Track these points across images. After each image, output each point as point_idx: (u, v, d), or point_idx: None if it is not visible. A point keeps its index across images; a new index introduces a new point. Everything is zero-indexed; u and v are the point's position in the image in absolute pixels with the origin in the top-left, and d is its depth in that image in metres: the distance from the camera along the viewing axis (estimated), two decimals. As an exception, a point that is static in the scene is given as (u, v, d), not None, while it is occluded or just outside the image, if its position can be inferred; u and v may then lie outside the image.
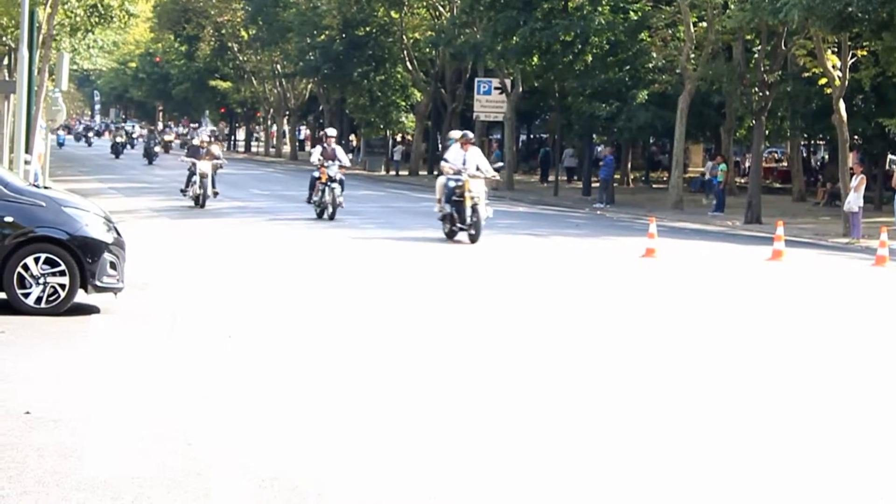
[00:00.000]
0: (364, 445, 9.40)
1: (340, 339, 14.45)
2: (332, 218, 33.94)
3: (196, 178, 37.81)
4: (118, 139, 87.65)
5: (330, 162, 34.77)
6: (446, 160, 30.57)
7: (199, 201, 37.57)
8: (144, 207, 37.29)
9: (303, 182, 46.59)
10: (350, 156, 33.52)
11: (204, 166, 37.77)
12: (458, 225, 28.84)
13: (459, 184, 28.92)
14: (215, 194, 38.69)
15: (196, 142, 42.10)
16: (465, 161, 29.90)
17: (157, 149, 78.83)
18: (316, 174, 35.00)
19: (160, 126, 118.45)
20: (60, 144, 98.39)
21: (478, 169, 29.81)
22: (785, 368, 13.81)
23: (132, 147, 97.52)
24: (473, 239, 28.30)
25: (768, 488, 8.75)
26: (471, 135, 31.56)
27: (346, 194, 35.73)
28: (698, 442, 10.02)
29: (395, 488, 8.34)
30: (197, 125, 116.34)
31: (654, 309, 18.50)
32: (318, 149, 36.29)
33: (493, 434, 9.96)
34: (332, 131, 37.81)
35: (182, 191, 39.14)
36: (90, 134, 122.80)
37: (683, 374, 13.10)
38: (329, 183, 34.22)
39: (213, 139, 53.50)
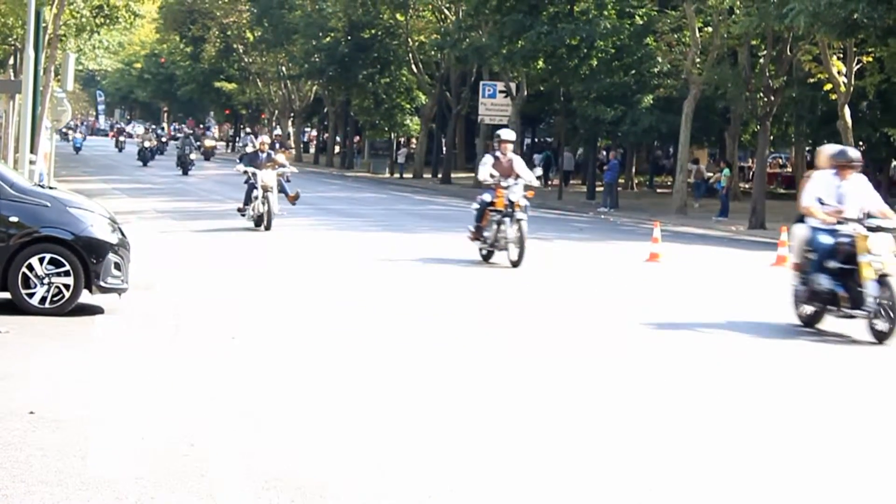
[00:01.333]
0: (367, 447, 9.40)
1: (344, 341, 14.44)
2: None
3: (258, 192, 30.19)
4: (146, 143, 76.63)
5: (511, 180, 24.59)
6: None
7: (263, 222, 30.19)
8: (184, 229, 30.23)
9: (305, 183, 46.57)
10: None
11: (267, 177, 30.23)
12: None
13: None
14: (290, 202, 32.68)
15: (250, 149, 35.84)
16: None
17: (194, 156, 67.36)
18: (488, 198, 24.86)
19: (200, 127, 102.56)
20: (77, 149, 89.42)
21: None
22: (786, 376, 13.80)
23: (162, 153, 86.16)
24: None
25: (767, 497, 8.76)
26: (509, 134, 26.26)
27: (353, 197, 35.26)
28: (700, 448, 10.02)
29: (397, 489, 8.35)
30: (247, 131, 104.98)
31: (658, 313, 18.48)
32: (489, 158, 25.45)
33: (492, 434, 9.96)
34: (507, 133, 25.99)
35: (240, 210, 31.16)
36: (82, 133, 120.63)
37: (688, 380, 13.10)
38: (513, 214, 24.07)
39: (278, 146, 51.24)
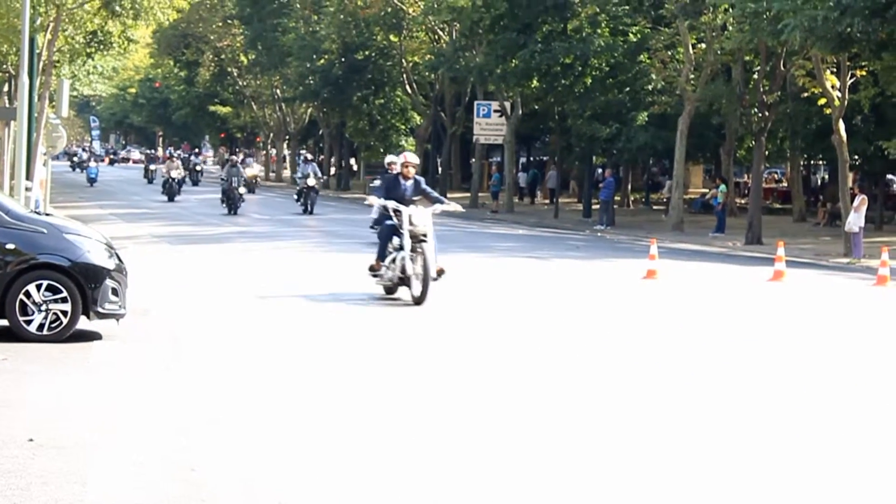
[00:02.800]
0: (369, 471, 9.39)
1: (348, 364, 14.43)
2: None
3: (402, 241, 21.10)
4: (173, 172, 61.89)
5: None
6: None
7: (412, 288, 20.88)
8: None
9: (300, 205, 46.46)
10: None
11: (419, 217, 21.24)
12: None
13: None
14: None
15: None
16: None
17: (243, 189, 51.44)
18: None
19: (239, 155, 76.91)
20: (92, 180, 76.89)
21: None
22: (787, 389, 13.79)
23: (195, 183, 75.34)
24: None
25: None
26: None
27: (345, 218, 34.72)
28: (698, 463, 10.01)
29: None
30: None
31: (657, 330, 18.48)
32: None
33: (493, 455, 9.95)
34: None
35: (372, 269, 21.74)
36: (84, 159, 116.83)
37: (686, 395, 13.09)
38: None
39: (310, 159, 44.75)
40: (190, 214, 50.27)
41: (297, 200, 52.88)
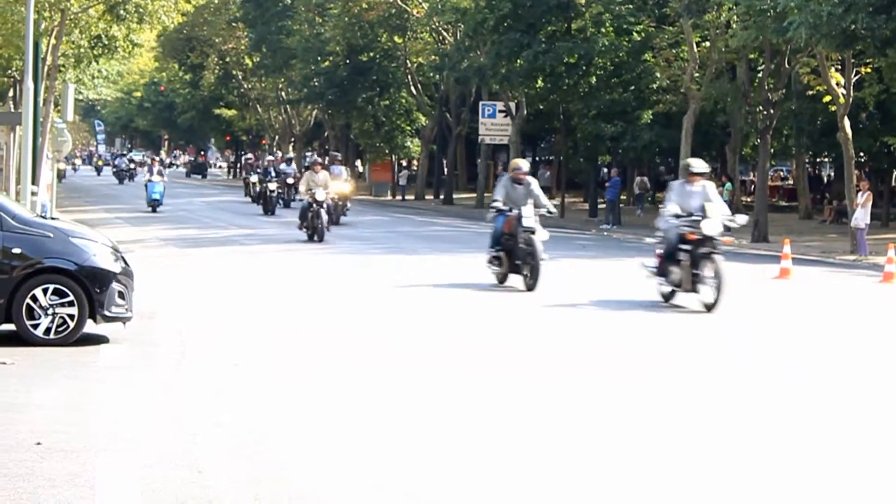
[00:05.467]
0: (375, 473, 9.39)
1: (349, 365, 14.44)
2: None
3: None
4: (271, 186, 50.31)
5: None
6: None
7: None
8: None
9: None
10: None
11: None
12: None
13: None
14: None
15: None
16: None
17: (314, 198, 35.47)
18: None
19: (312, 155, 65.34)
20: (156, 203, 51.87)
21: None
22: (795, 387, 13.79)
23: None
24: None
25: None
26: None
27: (356, 220, 34.44)
28: (708, 459, 10.02)
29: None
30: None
31: (664, 328, 18.48)
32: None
33: (499, 449, 9.96)
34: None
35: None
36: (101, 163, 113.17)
37: (694, 395, 13.09)
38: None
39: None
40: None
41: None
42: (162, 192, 52.55)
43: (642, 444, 10.54)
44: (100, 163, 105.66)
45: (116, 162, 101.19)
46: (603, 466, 9.74)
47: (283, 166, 56.50)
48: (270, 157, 58.96)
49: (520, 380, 13.70)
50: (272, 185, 50.04)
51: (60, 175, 76.23)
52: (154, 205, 51.54)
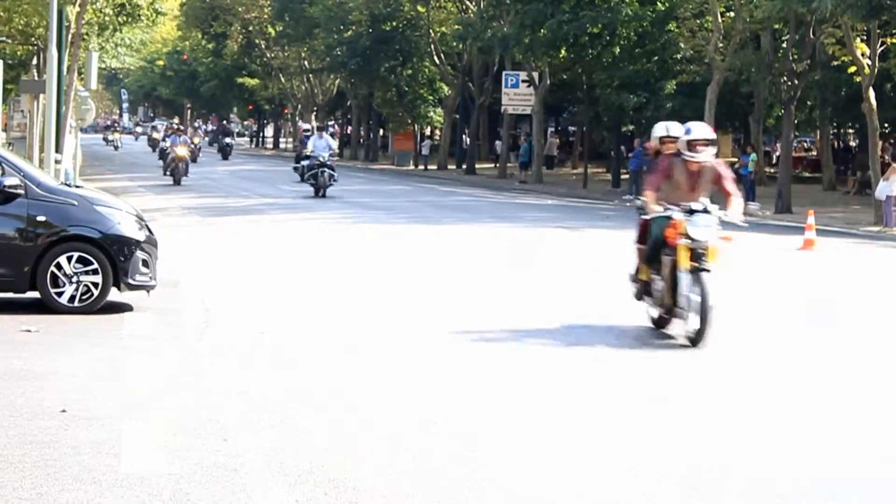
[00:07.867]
0: (397, 442, 9.39)
1: (375, 333, 14.43)
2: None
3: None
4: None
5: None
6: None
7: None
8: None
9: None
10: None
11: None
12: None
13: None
14: None
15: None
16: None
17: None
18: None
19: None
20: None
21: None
22: (820, 358, 13.75)
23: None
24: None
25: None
26: None
27: (379, 190, 34.75)
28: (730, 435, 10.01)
29: (429, 480, 8.33)
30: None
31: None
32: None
33: (507, 413, 9.97)
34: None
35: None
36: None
37: (719, 363, 13.08)
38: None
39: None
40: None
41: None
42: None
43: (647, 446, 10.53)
44: (117, 134, 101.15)
45: (149, 129, 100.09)
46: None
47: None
48: (306, 126, 56.29)
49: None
50: (323, 157, 42.00)
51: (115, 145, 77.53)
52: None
